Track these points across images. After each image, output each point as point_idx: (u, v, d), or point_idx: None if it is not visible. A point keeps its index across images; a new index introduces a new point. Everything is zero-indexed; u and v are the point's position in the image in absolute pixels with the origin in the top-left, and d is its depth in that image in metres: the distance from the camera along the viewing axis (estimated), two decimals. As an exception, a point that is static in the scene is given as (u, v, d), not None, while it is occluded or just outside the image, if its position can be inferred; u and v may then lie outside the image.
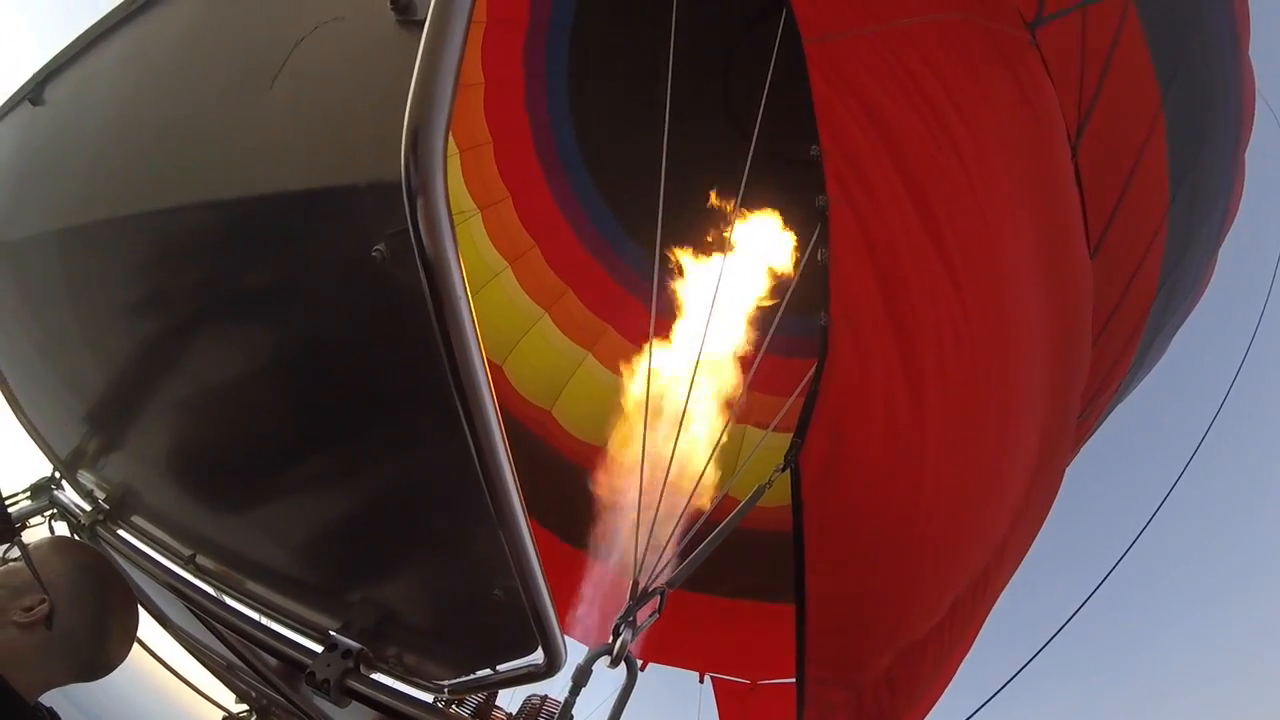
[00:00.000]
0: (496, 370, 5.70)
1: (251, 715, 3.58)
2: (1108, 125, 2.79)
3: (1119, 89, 2.78)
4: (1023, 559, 2.97)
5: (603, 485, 5.25)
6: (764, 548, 4.31)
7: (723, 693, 5.28)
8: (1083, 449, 3.68)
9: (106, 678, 1.58)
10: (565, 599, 4.94)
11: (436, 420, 1.01)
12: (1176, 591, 18.70)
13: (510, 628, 1.31)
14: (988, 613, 2.83)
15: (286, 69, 1.15)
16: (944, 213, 2.08)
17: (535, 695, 3.17)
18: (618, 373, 5.70)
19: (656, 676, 5.37)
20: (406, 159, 0.80)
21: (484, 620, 1.48)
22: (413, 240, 0.82)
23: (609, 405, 5.46)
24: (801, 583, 1.88)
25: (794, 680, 2.14)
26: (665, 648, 5.34)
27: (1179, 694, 18.59)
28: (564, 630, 1.36)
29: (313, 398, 1.34)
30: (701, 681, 5.39)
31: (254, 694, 3.24)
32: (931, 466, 2.08)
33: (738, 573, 5.03)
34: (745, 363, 4.47)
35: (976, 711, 2.82)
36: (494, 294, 5.65)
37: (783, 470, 1.85)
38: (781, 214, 4.64)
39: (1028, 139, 2.53)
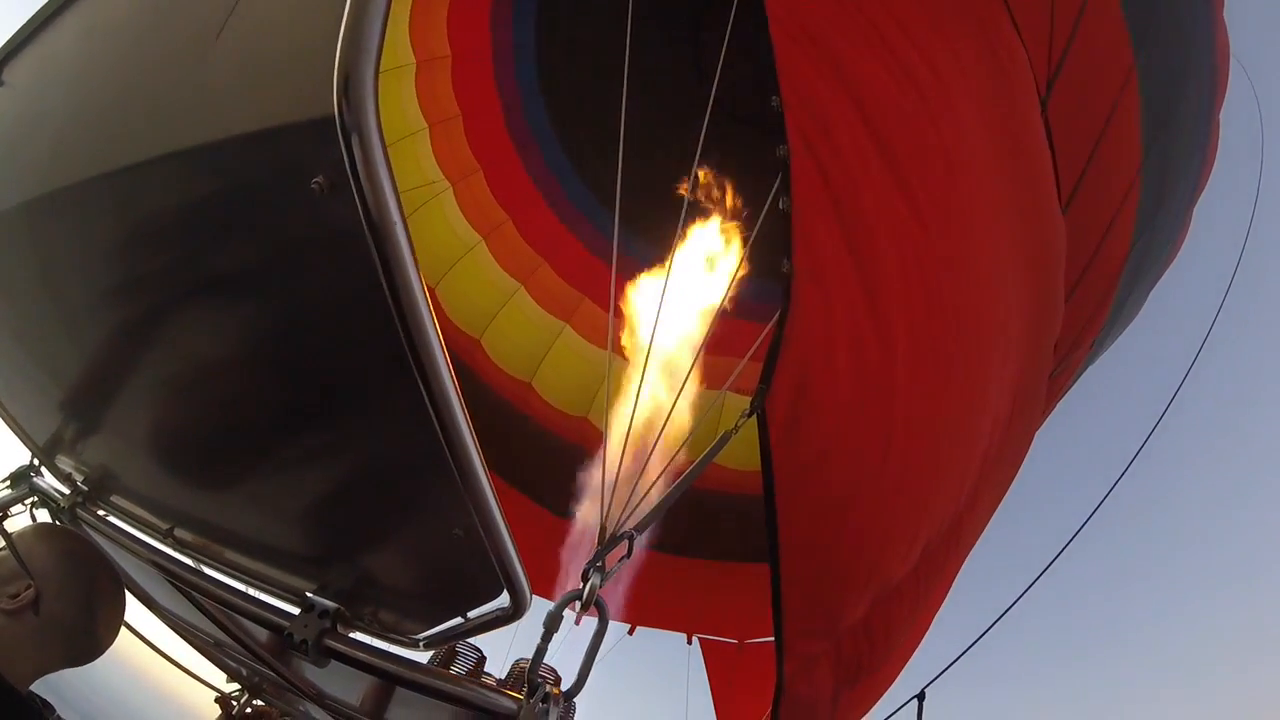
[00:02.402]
0: (475, 345, 5.70)
1: (243, 694, 3.61)
2: (1078, 81, 2.79)
3: (1090, 45, 2.78)
4: (994, 511, 3.03)
5: (584, 454, 5.28)
6: (744, 511, 4.37)
7: (711, 653, 5.38)
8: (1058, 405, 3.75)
9: (97, 665, 1.59)
10: (551, 565, 4.99)
11: (383, 354, 1.03)
12: (1148, 546, 19.24)
13: (475, 572, 1.34)
14: (962, 561, 2.89)
15: (231, 22, 1.16)
16: (910, 162, 2.08)
17: (523, 659, 3.23)
18: (596, 343, 5.71)
19: (644, 640, 5.47)
20: (339, 93, 0.86)
21: (450, 569, 1.51)
22: (347, 165, 0.86)
23: (588, 375, 5.47)
24: (774, 534, 1.89)
25: (778, 636, 2.17)
26: (653, 611, 5.42)
27: (1152, 642, 19.21)
28: (546, 593, 1.38)
29: (270, 353, 1.35)
30: (690, 643, 5.49)
31: (244, 672, 3.27)
32: (901, 411, 2.09)
33: (721, 536, 5.10)
34: (711, 320, 4.49)
35: (957, 659, 2.90)
36: (469, 268, 5.62)
37: (749, 415, 1.85)
38: (750, 174, 4.62)
39: (995, 93, 2.53)
